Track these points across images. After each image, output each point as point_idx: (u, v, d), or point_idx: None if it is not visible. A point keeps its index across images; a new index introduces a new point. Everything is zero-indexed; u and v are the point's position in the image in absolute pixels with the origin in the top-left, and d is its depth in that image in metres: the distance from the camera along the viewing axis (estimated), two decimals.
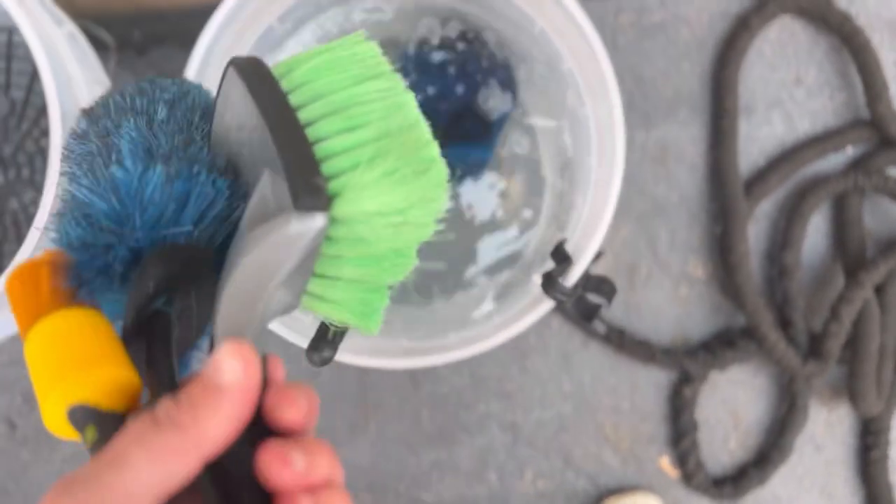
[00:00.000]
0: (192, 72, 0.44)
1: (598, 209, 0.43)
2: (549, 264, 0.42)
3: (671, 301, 0.62)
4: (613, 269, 0.62)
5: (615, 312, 0.62)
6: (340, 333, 0.28)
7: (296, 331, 0.44)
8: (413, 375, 0.63)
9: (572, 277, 0.39)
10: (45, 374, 0.22)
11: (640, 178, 0.62)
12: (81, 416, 0.22)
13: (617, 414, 0.63)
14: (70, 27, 0.45)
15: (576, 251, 0.42)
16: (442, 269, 0.54)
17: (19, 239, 0.47)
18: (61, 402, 0.22)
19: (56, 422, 0.22)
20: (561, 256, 0.41)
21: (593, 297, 0.39)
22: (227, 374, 0.21)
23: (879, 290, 0.60)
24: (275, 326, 0.44)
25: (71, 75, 0.44)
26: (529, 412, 0.63)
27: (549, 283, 0.37)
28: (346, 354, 0.45)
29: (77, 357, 0.22)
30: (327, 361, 0.29)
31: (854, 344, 0.59)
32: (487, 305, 0.54)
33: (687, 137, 0.62)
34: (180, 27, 0.57)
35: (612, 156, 0.42)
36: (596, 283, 0.38)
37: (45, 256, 0.25)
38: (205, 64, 0.45)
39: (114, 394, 0.22)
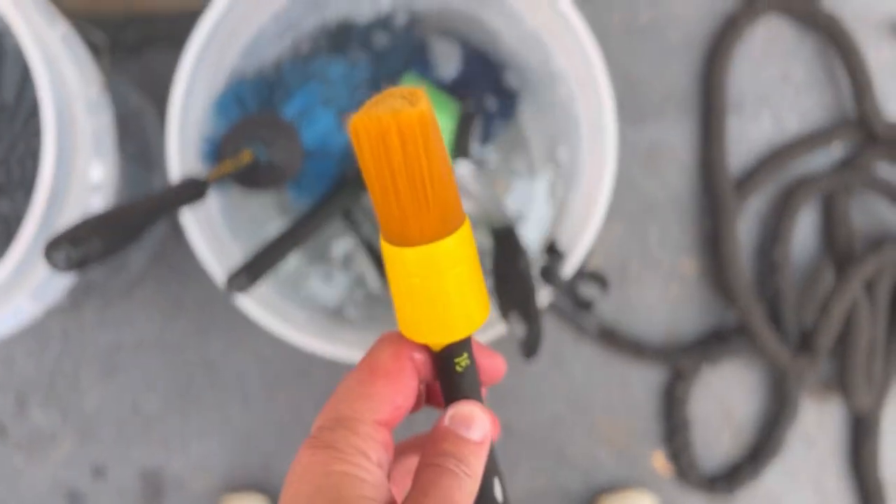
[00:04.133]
0: (183, 72, 0.44)
1: (590, 206, 0.43)
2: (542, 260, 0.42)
3: (662, 299, 0.63)
4: (605, 268, 0.62)
5: (606, 310, 0.62)
6: None
7: (276, 316, 0.44)
8: None
9: (567, 270, 0.39)
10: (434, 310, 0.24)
11: (630, 177, 0.62)
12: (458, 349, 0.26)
13: (610, 411, 0.63)
14: (63, 27, 0.45)
15: (568, 247, 0.42)
16: None
17: (9, 238, 0.47)
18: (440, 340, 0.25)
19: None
20: (554, 254, 0.42)
21: (588, 289, 0.40)
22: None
23: (869, 285, 0.60)
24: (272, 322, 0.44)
25: (65, 76, 0.44)
26: (522, 412, 0.63)
27: (548, 273, 0.38)
28: (334, 346, 0.45)
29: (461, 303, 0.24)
30: None
31: (844, 338, 0.60)
32: None
33: (677, 136, 0.62)
34: (173, 28, 0.57)
35: (603, 153, 0.42)
36: (590, 276, 0.39)
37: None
38: (199, 61, 0.45)
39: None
